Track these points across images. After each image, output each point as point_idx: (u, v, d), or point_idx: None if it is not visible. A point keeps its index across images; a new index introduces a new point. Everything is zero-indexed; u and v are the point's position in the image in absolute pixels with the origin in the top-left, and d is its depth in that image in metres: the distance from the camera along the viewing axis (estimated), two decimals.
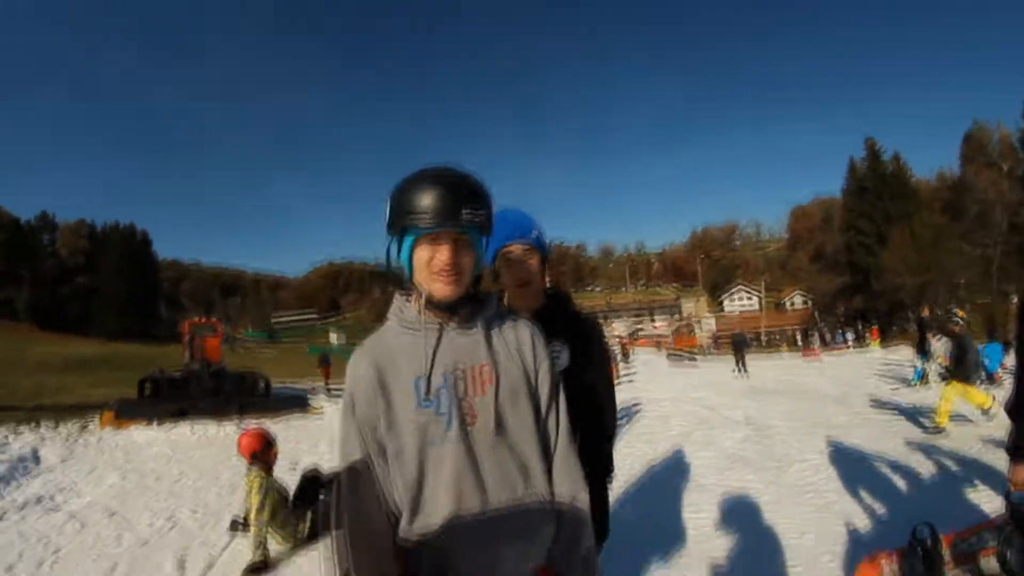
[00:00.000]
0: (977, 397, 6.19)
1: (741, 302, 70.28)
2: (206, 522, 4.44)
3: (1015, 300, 25.98)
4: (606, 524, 1.62)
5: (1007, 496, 1.77)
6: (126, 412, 9.08)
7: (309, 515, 3.87)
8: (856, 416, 7.69)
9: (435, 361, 1.06)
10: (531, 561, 1.08)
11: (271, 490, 3.69)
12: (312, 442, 8.13)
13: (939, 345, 10.50)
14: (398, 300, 1.14)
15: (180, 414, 9.34)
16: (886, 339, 27.32)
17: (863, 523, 3.61)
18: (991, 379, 9.54)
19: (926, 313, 13.24)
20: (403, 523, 1.03)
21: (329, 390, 15.60)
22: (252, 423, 9.05)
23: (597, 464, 1.55)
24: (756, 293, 65.57)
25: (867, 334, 31.20)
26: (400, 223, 1.04)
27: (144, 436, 8.15)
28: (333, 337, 63.47)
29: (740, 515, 3.95)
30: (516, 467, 1.07)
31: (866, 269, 40.60)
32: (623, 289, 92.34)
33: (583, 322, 1.65)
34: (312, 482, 4.24)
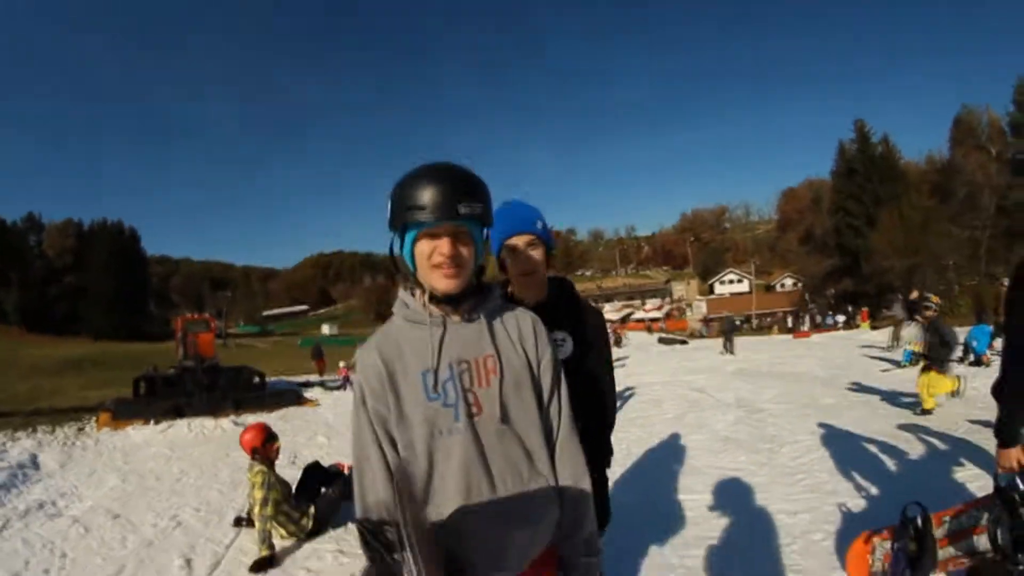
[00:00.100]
0: (944, 387, 6.36)
1: (731, 285, 70.12)
2: (210, 520, 4.46)
3: (1004, 283, 26.29)
4: (607, 509, 1.66)
5: (995, 477, 1.82)
6: (122, 412, 9.04)
7: (312, 509, 3.90)
8: (846, 397, 7.80)
9: (441, 354, 1.09)
10: (538, 544, 1.12)
11: (274, 485, 3.72)
12: (309, 435, 8.15)
13: (909, 331, 10.57)
14: (402, 295, 1.17)
15: (176, 412, 9.31)
16: (876, 321, 27.56)
17: (855, 503, 3.68)
18: (979, 361, 9.68)
19: (915, 296, 13.40)
20: None
21: (324, 382, 15.60)
22: (249, 418, 9.09)
23: (598, 451, 1.60)
24: (746, 276, 65.73)
25: (857, 316, 31.47)
26: (400, 219, 1.07)
27: (141, 436, 8.14)
28: (325, 328, 63.28)
29: (734, 496, 4.02)
30: (521, 455, 1.10)
31: (855, 251, 40.87)
32: (613, 273, 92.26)
33: (587, 311, 1.69)
34: (314, 475, 4.28)
